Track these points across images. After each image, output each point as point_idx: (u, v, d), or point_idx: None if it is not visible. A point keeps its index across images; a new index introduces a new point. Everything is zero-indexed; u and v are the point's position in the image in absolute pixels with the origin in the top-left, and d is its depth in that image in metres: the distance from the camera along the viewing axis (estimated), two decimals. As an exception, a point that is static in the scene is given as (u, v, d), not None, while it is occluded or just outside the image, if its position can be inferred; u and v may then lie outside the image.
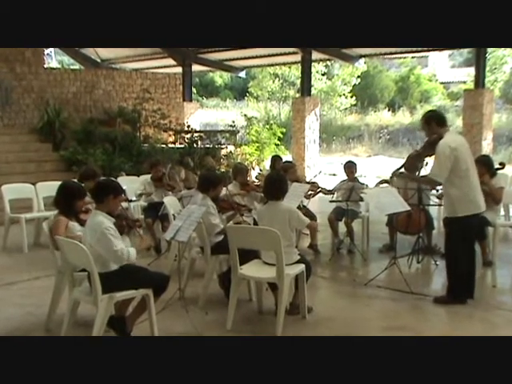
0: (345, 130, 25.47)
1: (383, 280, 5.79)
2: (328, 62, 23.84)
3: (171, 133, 13.62)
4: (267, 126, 15.21)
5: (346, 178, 7.34)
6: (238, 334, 4.36)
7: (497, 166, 6.57)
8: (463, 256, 5.01)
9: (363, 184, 7.26)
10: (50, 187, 6.57)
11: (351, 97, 26.66)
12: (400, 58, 24.92)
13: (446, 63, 34.37)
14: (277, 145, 14.54)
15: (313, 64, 16.79)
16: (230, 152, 13.04)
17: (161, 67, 16.50)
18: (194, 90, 19.57)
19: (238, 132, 14.46)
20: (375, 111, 27.18)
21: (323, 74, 26.30)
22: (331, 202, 7.19)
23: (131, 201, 7.07)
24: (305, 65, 14.19)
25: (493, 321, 4.76)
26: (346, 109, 27.13)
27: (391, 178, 6.21)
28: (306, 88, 14.13)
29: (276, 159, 8.00)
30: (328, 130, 24.08)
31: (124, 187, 4.59)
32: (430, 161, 5.41)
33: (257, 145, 13.95)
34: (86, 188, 4.97)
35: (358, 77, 26.38)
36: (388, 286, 5.62)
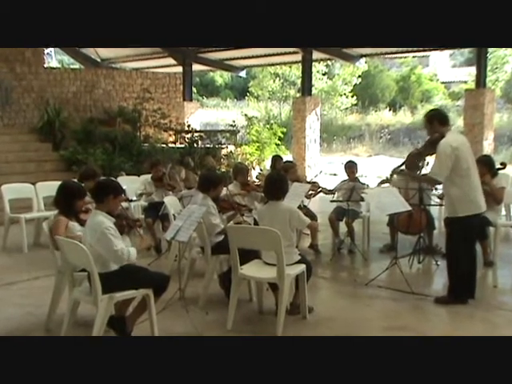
0: (345, 129, 25.46)
1: (384, 280, 5.78)
2: (329, 62, 23.82)
3: (171, 132, 13.61)
4: (268, 126, 15.20)
5: (346, 177, 7.33)
6: (239, 334, 4.36)
7: (498, 166, 6.56)
8: (464, 256, 5.00)
9: (364, 184, 7.26)
10: (50, 187, 6.56)
11: (352, 96, 26.65)
12: (401, 57, 24.93)
13: (447, 63, 34.35)
14: (277, 144, 14.53)
15: (313, 63, 16.78)
16: (231, 152, 13.02)
17: (161, 67, 16.49)
18: (194, 89, 19.59)
19: (239, 132, 14.45)
20: (376, 111, 27.17)
21: (324, 74, 26.29)
22: (332, 201, 7.18)
23: (131, 201, 7.06)
24: (305, 64, 14.18)
25: (494, 321, 4.75)
26: (346, 108, 27.14)
27: (391, 175, 6.19)
28: (306, 88, 14.12)
29: (276, 159, 7.99)
30: (329, 130, 24.07)
31: (124, 187, 4.59)
32: (430, 160, 5.40)
33: (257, 144, 13.94)
34: (86, 188, 4.96)
35: (359, 76, 26.38)
36: (389, 286, 5.61)
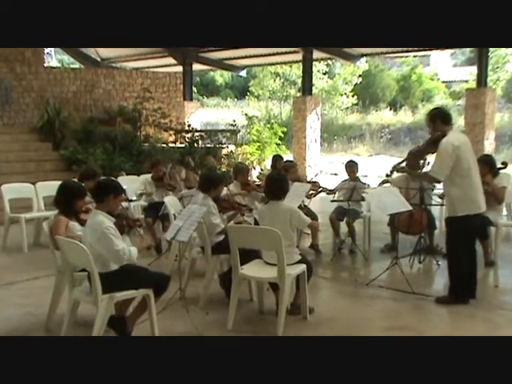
0: (346, 129, 25.43)
1: (385, 280, 5.78)
2: (329, 61, 23.80)
3: (172, 132, 13.60)
4: (268, 126, 15.20)
5: (347, 177, 7.32)
6: (239, 334, 4.35)
7: (499, 165, 6.55)
8: (464, 256, 4.99)
9: (365, 184, 7.24)
10: (50, 187, 6.56)
11: (352, 96, 26.61)
12: (402, 56, 24.88)
13: (447, 62, 34.30)
14: (278, 144, 14.52)
15: (314, 63, 16.74)
16: (231, 151, 13.02)
17: (161, 66, 16.48)
18: (194, 89, 19.58)
19: (239, 131, 14.44)
20: (377, 110, 27.14)
21: (324, 73, 26.25)
22: (332, 201, 7.17)
23: (131, 200, 7.05)
24: (306, 64, 14.16)
25: (495, 321, 4.75)
26: (347, 108, 27.10)
27: (391, 171, 6.17)
28: (307, 87, 14.10)
29: (277, 159, 7.99)
30: (329, 130, 24.05)
31: (124, 187, 4.59)
32: (431, 159, 5.38)
33: (258, 144, 13.93)
34: (86, 188, 4.96)
35: (360, 76, 26.35)
36: (390, 286, 5.61)
